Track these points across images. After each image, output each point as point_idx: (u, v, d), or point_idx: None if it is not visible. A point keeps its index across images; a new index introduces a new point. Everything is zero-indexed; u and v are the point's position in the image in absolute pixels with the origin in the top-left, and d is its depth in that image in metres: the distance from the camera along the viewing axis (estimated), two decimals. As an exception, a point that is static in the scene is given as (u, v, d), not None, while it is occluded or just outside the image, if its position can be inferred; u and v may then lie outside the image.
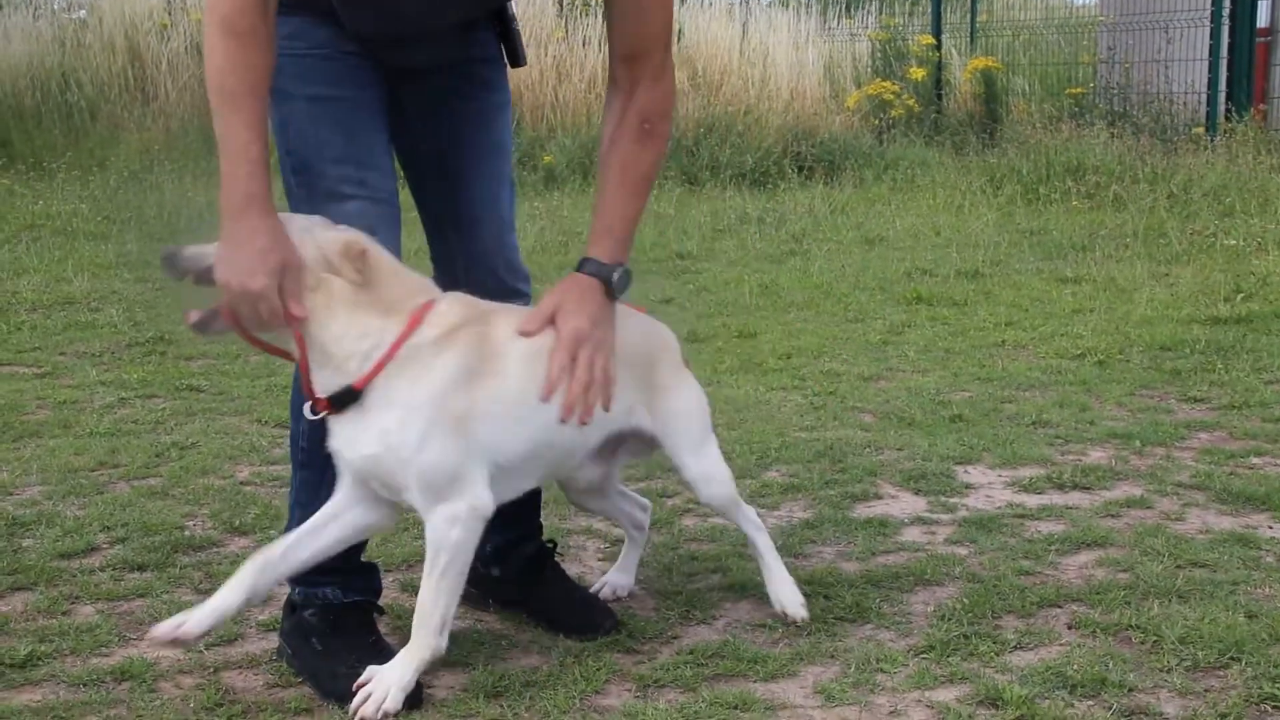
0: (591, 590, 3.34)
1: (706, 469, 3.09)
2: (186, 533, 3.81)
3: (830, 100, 12.21)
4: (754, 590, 3.38)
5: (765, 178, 11.15)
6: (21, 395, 5.34)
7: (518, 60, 3.13)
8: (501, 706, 2.76)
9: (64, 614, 3.23)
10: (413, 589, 3.42)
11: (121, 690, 2.82)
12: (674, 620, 3.22)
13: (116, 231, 9.02)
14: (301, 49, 2.86)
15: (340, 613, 3.00)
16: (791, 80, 12.01)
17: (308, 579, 3.02)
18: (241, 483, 4.26)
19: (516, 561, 3.26)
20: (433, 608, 2.74)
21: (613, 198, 2.86)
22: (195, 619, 2.69)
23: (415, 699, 2.75)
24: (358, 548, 3.05)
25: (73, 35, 14.24)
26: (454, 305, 2.79)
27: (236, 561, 3.58)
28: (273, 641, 3.08)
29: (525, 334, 2.79)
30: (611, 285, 2.84)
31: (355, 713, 2.71)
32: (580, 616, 3.17)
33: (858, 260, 8.26)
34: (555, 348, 2.78)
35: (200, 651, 3.02)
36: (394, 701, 2.71)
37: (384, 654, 2.93)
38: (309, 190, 2.88)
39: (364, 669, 2.83)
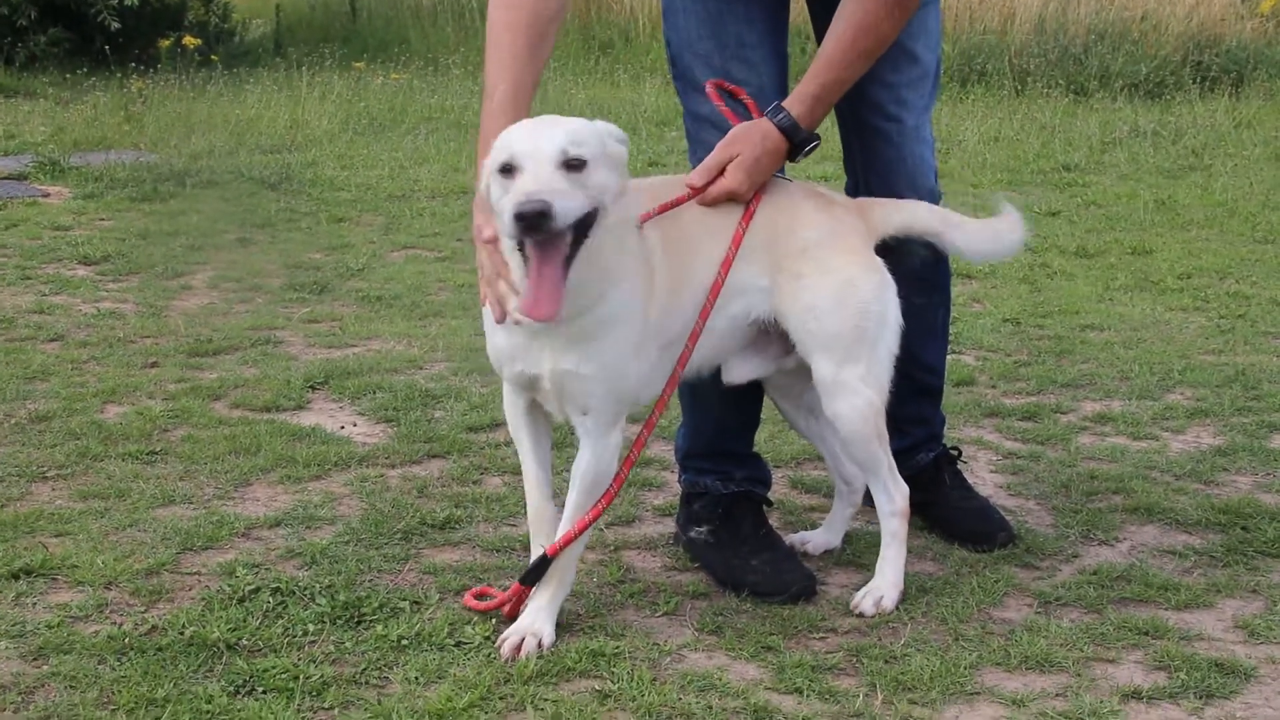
0: (791, 543, 3.05)
1: (844, 378, 2.70)
2: (582, 415, 3.93)
3: (1242, 5, 11.30)
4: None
5: (1160, 88, 10.47)
6: (424, 277, 5.63)
7: None
8: (899, 610, 2.72)
9: (474, 483, 3.40)
10: (803, 485, 3.43)
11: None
12: (1074, 539, 3.10)
13: (504, 126, 9.35)
14: None
15: (728, 504, 3.03)
16: (1200, -18, 11.19)
17: (693, 466, 3.07)
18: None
19: (905, 468, 3.19)
20: None
21: (825, 54, 2.71)
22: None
23: None
24: (744, 439, 3.07)
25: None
26: None
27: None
28: (668, 526, 3.15)
29: (691, 187, 2.69)
30: (797, 150, 2.72)
31: None
32: (975, 525, 3.09)
33: (1267, 178, 7.67)
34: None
35: (600, 530, 3.12)
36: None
37: (775, 547, 2.95)
38: (680, 81, 2.95)
39: (757, 561, 2.87)
